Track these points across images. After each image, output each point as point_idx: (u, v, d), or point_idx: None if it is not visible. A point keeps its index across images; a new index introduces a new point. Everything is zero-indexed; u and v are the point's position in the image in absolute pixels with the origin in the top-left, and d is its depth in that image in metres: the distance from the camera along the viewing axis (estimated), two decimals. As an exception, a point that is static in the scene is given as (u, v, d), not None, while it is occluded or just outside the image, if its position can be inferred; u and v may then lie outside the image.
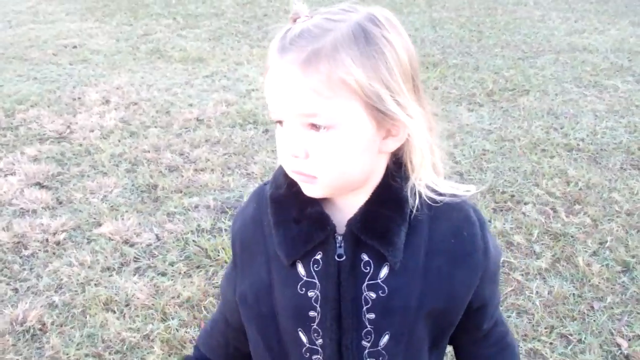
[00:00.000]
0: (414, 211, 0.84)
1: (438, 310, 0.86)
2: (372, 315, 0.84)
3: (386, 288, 0.83)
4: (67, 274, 2.41)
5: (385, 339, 0.85)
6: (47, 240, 2.63)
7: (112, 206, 2.90)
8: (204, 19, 6.21)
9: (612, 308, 2.25)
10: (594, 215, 2.84)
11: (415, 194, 0.85)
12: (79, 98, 4.12)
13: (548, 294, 2.35)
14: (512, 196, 3.04)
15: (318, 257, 0.84)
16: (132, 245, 2.60)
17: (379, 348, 0.85)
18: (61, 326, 2.16)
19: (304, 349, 0.87)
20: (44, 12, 6.78)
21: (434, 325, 0.88)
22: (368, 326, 0.84)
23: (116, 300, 2.27)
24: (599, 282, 2.38)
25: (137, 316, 2.19)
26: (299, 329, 0.86)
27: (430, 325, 0.88)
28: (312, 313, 0.85)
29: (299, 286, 0.85)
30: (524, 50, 5.61)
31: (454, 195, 0.88)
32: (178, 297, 2.28)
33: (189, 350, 2.03)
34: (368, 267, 0.83)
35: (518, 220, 2.83)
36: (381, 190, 0.84)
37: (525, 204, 2.97)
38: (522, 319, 2.23)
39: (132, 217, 2.78)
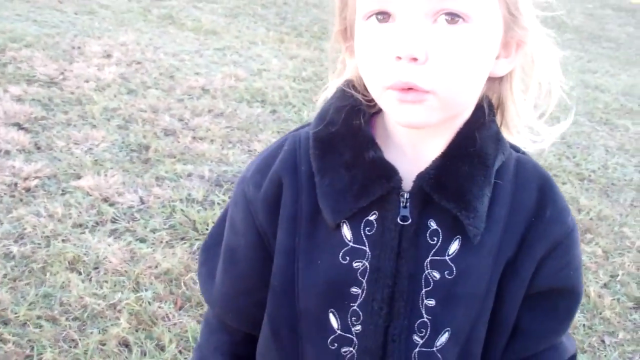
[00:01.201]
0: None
1: (509, 312, 0.67)
2: (431, 302, 0.64)
3: (454, 268, 0.64)
4: (32, 224, 2.05)
5: (444, 337, 0.65)
6: (15, 184, 2.27)
7: (96, 160, 2.54)
8: (222, -3, 5.90)
9: (624, 345, 2.09)
10: (605, 246, 2.69)
11: (502, 149, 0.65)
12: (79, 47, 3.75)
13: (562, 324, 2.09)
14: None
15: (372, 217, 0.64)
16: (111, 205, 2.25)
17: (434, 349, 0.65)
18: (14, 281, 1.81)
19: (332, 337, 0.66)
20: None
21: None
22: (425, 316, 0.64)
23: (84, 261, 1.92)
24: (610, 316, 2.22)
25: (106, 282, 1.84)
26: (331, 309, 0.65)
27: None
28: (354, 290, 0.64)
29: (341, 254, 0.64)
30: (538, 79, 5.45)
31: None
32: (156, 267, 1.94)
33: (160, 328, 1.69)
34: (435, 238, 0.64)
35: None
36: (464, 139, 0.64)
37: (540, 227, 2.73)
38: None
39: (116, 175, 2.43)
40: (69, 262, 1.90)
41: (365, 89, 0.65)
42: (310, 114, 3.43)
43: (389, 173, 0.63)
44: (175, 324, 1.74)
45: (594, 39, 7.91)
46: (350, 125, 0.65)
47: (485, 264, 0.65)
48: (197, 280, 0.79)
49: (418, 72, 0.56)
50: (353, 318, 0.65)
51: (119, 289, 1.82)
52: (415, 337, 0.65)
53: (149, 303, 1.78)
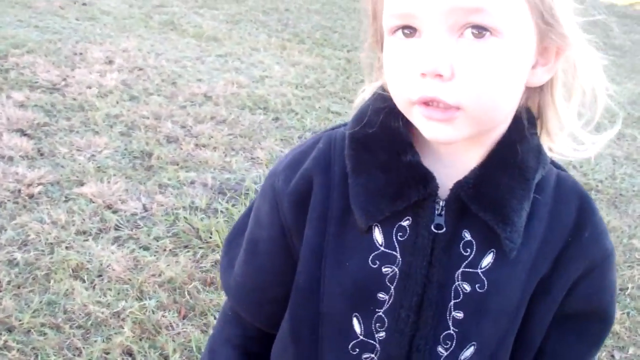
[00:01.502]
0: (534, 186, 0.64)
1: (535, 332, 0.67)
2: (459, 314, 0.63)
3: (486, 282, 0.62)
4: (36, 231, 2.07)
5: (469, 351, 0.64)
6: (19, 191, 2.29)
7: (99, 167, 2.56)
8: (224, 2, 5.93)
9: None
10: None
11: (543, 163, 0.64)
12: (81, 53, 3.78)
13: (570, 336, 2.09)
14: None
15: (405, 223, 0.63)
16: (115, 212, 2.27)
17: None
18: (19, 287, 1.83)
19: (354, 342, 0.65)
20: (58, -31, 6.43)
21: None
22: (451, 328, 0.64)
23: (87, 269, 1.94)
24: (620, 331, 2.20)
25: (110, 290, 1.86)
26: (356, 314, 0.65)
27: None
28: (381, 295, 0.64)
29: (371, 257, 0.63)
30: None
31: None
32: (159, 275, 1.96)
33: (164, 337, 1.70)
34: (469, 250, 0.62)
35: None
36: (504, 149, 0.63)
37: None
38: None
39: (119, 182, 2.45)
40: (72, 270, 1.92)
41: None
42: (312, 122, 3.46)
43: (426, 178, 0.62)
44: (179, 333, 1.75)
45: (599, 47, 7.95)
46: (388, 127, 0.64)
47: (519, 280, 0.64)
48: (219, 271, 0.80)
49: (443, 88, 0.56)
50: (377, 324, 0.64)
51: (122, 297, 1.84)
52: (440, 349, 0.64)
53: (153, 312, 1.79)
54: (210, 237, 2.21)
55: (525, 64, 0.59)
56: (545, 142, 0.67)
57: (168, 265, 2.01)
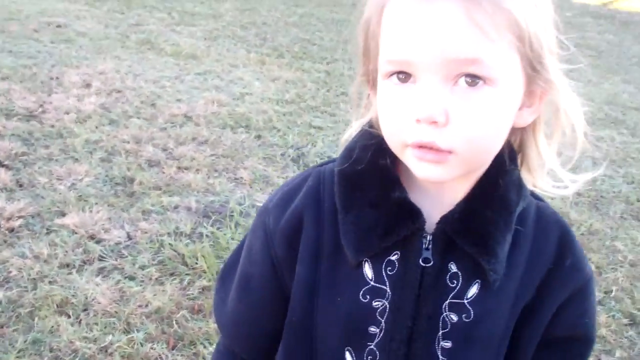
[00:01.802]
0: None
1: (523, 356, 0.71)
2: (447, 344, 0.66)
3: (472, 312, 0.66)
4: (18, 267, 2.05)
5: None
6: (-1, 225, 2.27)
7: (80, 196, 2.55)
8: (201, 19, 5.94)
9: None
10: (598, 262, 2.72)
11: (523, 195, 0.68)
12: (57, 78, 3.76)
13: (559, 344, 2.13)
14: (517, 235, 2.84)
15: (394, 257, 0.66)
16: (98, 242, 2.26)
17: None
18: (2, 327, 1.81)
19: None
20: (30, -10, 6.40)
21: None
22: (440, 358, 0.67)
23: (72, 303, 1.92)
24: (607, 334, 2.24)
25: (96, 324, 1.85)
26: (348, 347, 0.68)
27: None
28: (372, 329, 0.67)
29: (361, 292, 0.66)
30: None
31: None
32: (146, 306, 1.95)
33: (154, 372, 1.70)
34: (455, 281, 0.66)
35: (524, 261, 2.62)
36: (488, 184, 0.66)
37: (531, 244, 2.78)
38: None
39: (101, 211, 2.44)
40: (57, 305, 1.90)
41: None
42: (295, 138, 3.47)
43: (414, 214, 0.65)
44: (168, 364, 1.75)
45: (575, 48, 8.11)
46: (376, 164, 0.67)
47: (504, 309, 0.67)
48: (212, 307, 0.82)
49: (438, 134, 0.58)
50: (369, 357, 0.67)
51: (109, 331, 1.83)
52: None
53: (141, 344, 1.79)
54: (197, 263, 2.21)
55: (513, 109, 0.62)
56: (526, 178, 0.69)
57: (155, 295, 2.00)
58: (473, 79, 0.57)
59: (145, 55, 4.53)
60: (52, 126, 3.13)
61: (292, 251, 0.69)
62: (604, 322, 2.28)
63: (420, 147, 0.60)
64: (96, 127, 3.20)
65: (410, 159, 0.62)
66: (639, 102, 5.73)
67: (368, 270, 0.66)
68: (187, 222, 2.46)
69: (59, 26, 4.85)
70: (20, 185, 2.58)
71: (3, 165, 2.70)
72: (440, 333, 0.66)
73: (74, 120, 3.22)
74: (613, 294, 2.49)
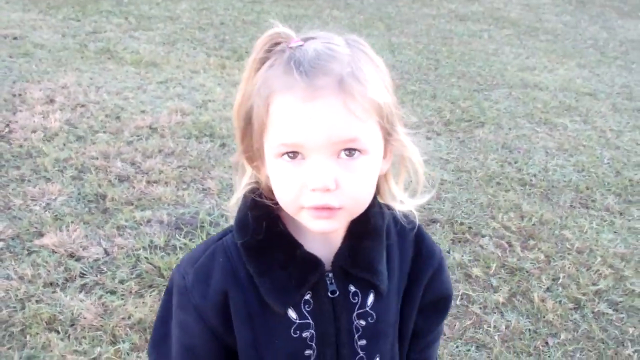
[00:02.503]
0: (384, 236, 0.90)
1: (408, 325, 0.97)
2: (363, 342, 0.90)
3: (374, 314, 0.89)
4: (5, 288, 2.27)
5: None
6: (-19, 249, 2.48)
7: (55, 215, 2.76)
8: (158, 22, 6.09)
9: (566, 345, 2.36)
10: (547, 251, 2.97)
11: (386, 218, 0.92)
12: (20, 95, 3.92)
13: (505, 328, 2.43)
14: (470, 228, 3.14)
15: (308, 297, 0.86)
16: (77, 260, 2.49)
17: None
18: (-3, 346, 2.03)
19: None
20: (-21, -3, 6.44)
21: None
22: (360, 352, 0.90)
23: (60, 320, 2.16)
24: (553, 318, 2.49)
25: (84, 337, 2.09)
26: None
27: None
28: (307, 352, 0.88)
29: (292, 330, 0.87)
30: (479, 82, 5.83)
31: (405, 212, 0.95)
32: (129, 318, 2.20)
33: (141, 377, 1.95)
34: (356, 298, 0.88)
35: (476, 252, 2.92)
36: (360, 220, 0.86)
37: (483, 236, 3.07)
38: (481, 353, 2.29)
39: (78, 229, 2.66)
40: (46, 322, 2.13)
41: (273, 194, 0.83)
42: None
43: (317, 264, 0.85)
44: (153, 369, 2.00)
45: (532, 32, 8.40)
46: (273, 232, 0.84)
47: (393, 303, 0.92)
48: None
49: (330, 197, 0.77)
50: None
51: (97, 344, 2.07)
52: None
53: (128, 354, 2.04)
54: (172, 275, 2.45)
55: (380, 166, 0.83)
56: (380, 201, 0.92)
57: (136, 307, 2.25)
58: (351, 151, 0.76)
59: (105, 66, 4.69)
60: (21, 146, 3.31)
61: (225, 319, 0.86)
62: (551, 307, 2.53)
63: (317, 208, 0.78)
64: (64, 145, 3.39)
65: (306, 218, 0.80)
66: (592, 87, 5.99)
67: (292, 313, 0.86)
68: (160, 236, 2.69)
69: (15, 38, 4.96)
70: (-4, 209, 2.77)
71: (-23, 190, 2.88)
72: (356, 336, 0.89)
73: (42, 139, 3.41)
74: (560, 281, 2.74)
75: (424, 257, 0.96)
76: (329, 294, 0.87)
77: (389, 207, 0.93)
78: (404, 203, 0.91)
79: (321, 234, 0.85)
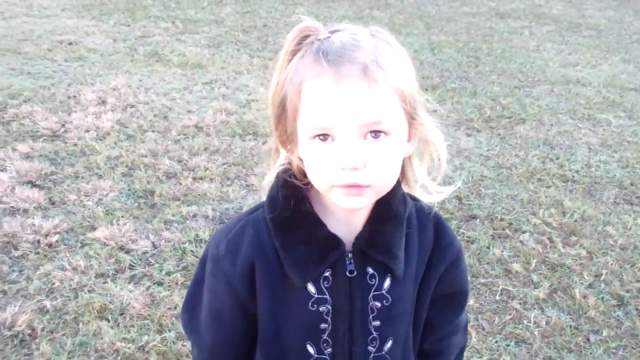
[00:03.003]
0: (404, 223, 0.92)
1: (422, 313, 0.99)
2: (377, 323, 0.92)
3: (389, 297, 0.91)
4: (60, 278, 2.35)
5: (389, 344, 0.94)
6: (38, 241, 2.57)
7: (107, 210, 2.84)
8: (203, 25, 6.20)
9: (608, 342, 2.29)
10: (589, 247, 2.89)
11: (408, 206, 0.93)
12: (74, 97, 4.05)
13: (546, 324, 2.36)
14: (510, 224, 3.06)
15: (327, 274, 0.89)
16: (127, 252, 2.55)
17: (383, 352, 0.93)
18: (52, 332, 2.10)
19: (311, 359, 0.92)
20: (38, 6, 6.69)
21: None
22: (374, 333, 0.92)
23: (110, 309, 2.22)
24: (595, 315, 2.42)
25: (132, 326, 2.14)
26: (308, 342, 0.92)
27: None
28: (323, 325, 0.91)
29: (310, 304, 0.90)
30: (519, 79, 5.69)
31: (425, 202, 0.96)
32: (175, 308, 2.24)
33: (186, 365, 1.99)
34: (373, 280, 0.91)
35: (516, 248, 2.85)
36: (382, 206, 0.90)
37: (523, 232, 2.99)
38: (521, 348, 2.24)
39: (128, 223, 2.73)
40: (97, 311, 2.20)
41: (303, 175, 0.88)
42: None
43: (338, 243, 0.88)
44: (198, 358, 2.03)
45: (574, 28, 8.15)
46: (299, 210, 0.88)
47: (409, 289, 0.93)
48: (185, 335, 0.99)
49: (359, 175, 0.80)
50: (324, 344, 0.91)
51: (145, 332, 2.12)
52: (369, 348, 0.93)
53: (173, 342, 2.07)
54: (216, 267, 2.48)
55: (405, 147, 0.87)
56: (405, 188, 0.96)
57: (182, 298, 2.28)
58: (377, 133, 0.80)
59: (153, 68, 4.80)
60: (75, 145, 3.42)
61: (251, 287, 0.91)
62: (593, 304, 2.46)
63: (347, 186, 0.82)
64: (115, 143, 3.48)
65: (337, 195, 0.83)
66: (637, 83, 5.79)
67: (311, 288, 0.89)
68: (205, 230, 2.73)
69: (70, 44, 5.14)
70: (53, 203, 2.87)
71: (35, 185, 2.99)
72: (370, 317, 0.91)
73: (94, 138, 3.51)
74: (603, 277, 2.65)
75: (442, 247, 0.97)
76: (347, 273, 0.89)
77: (414, 199, 0.96)
78: (427, 188, 0.93)
79: (349, 211, 0.88)
